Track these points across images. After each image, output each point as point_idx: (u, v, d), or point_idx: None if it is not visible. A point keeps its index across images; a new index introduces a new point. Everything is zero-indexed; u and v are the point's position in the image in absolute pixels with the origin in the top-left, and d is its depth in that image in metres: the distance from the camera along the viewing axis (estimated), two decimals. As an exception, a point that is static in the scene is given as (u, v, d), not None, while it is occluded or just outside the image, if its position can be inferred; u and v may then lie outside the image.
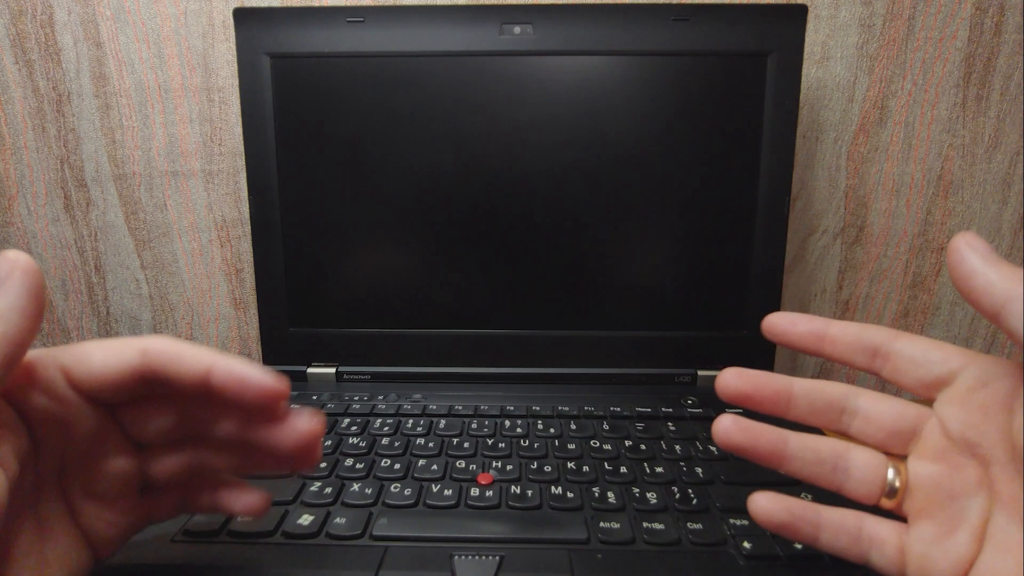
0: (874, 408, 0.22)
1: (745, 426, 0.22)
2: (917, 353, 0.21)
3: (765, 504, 0.22)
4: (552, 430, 0.35)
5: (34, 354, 0.19)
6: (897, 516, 0.21)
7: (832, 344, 0.22)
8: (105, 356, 0.19)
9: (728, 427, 0.22)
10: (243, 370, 0.19)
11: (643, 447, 0.33)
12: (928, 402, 0.21)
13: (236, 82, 0.48)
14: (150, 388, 0.20)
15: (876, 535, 0.21)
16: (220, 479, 0.23)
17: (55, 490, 0.20)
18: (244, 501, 0.23)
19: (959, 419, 0.19)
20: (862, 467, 0.21)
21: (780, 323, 0.23)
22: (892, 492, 0.21)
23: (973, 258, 0.18)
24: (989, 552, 0.18)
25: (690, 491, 0.29)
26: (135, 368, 0.19)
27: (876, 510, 0.22)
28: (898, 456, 0.22)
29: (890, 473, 0.21)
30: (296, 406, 0.22)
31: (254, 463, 0.22)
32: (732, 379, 0.23)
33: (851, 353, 0.22)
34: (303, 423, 0.21)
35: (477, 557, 0.24)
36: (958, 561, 0.19)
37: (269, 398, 0.19)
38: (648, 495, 0.28)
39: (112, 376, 0.19)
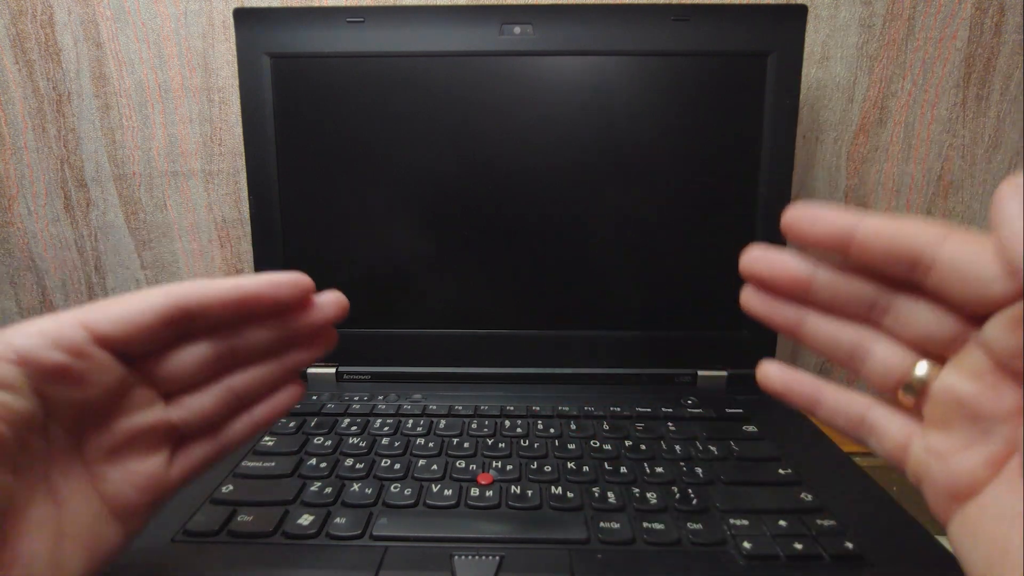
0: (910, 311, 0.19)
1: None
2: (969, 266, 0.17)
3: (768, 372, 0.22)
4: (552, 430, 0.35)
5: (54, 316, 0.19)
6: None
7: (861, 250, 0.18)
8: (129, 302, 0.19)
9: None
10: (269, 277, 0.21)
11: (643, 447, 0.33)
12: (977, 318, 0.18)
13: (236, 82, 0.48)
14: (177, 331, 0.20)
15: (880, 425, 0.20)
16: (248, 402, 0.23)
17: (71, 457, 0.19)
18: (282, 399, 0.23)
19: (1011, 346, 0.16)
20: (885, 353, 0.19)
21: (800, 222, 0.19)
22: (915, 388, 0.19)
23: (1011, 205, 0.15)
24: (1002, 486, 0.17)
25: (690, 491, 0.29)
26: (161, 310, 0.19)
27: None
28: (935, 357, 0.19)
29: (922, 367, 0.19)
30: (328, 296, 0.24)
31: (283, 366, 0.23)
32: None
33: (884, 261, 0.18)
34: (331, 300, 0.23)
35: (477, 557, 0.24)
36: (960, 481, 0.17)
37: (302, 291, 0.22)
38: (648, 495, 0.28)
39: (138, 321, 0.19)
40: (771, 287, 0.21)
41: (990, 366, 0.17)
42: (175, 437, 0.21)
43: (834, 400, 0.21)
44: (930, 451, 0.18)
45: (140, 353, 0.20)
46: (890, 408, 0.20)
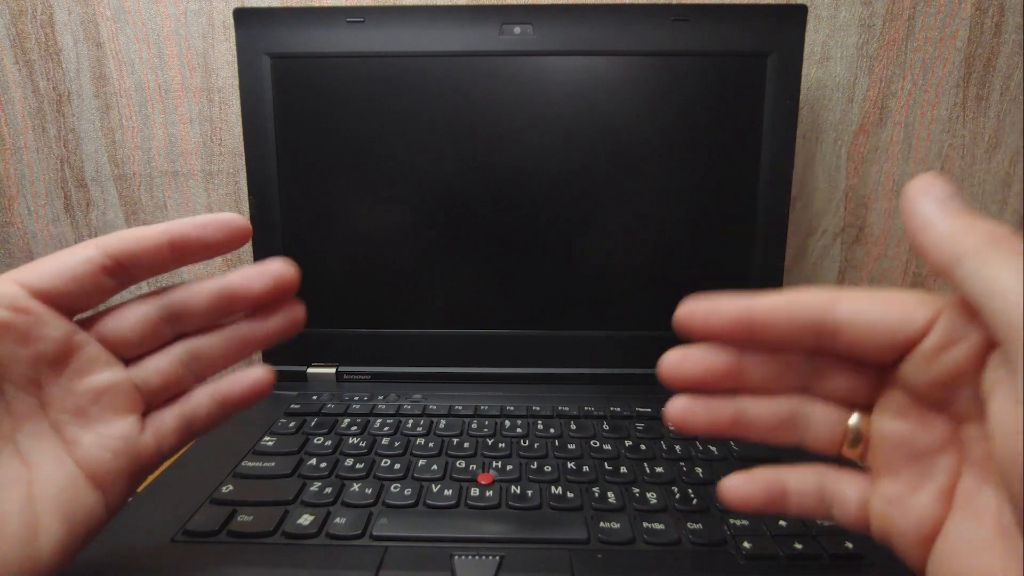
0: (834, 370, 0.19)
1: (702, 407, 0.20)
2: (873, 317, 0.17)
3: (730, 487, 0.20)
4: (552, 430, 0.35)
5: None
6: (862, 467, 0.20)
7: (764, 333, 0.19)
8: (61, 256, 0.20)
9: (683, 413, 0.20)
10: (196, 218, 0.21)
11: (643, 447, 0.33)
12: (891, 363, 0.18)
13: (236, 82, 0.48)
14: (116, 280, 0.21)
15: (837, 491, 0.20)
16: (214, 382, 0.23)
17: (37, 419, 0.20)
18: (249, 377, 0.23)
19: (927, 378, 0.17)
20: (821, 416, 0.20)
21: (695, 318, 0.19)
22: (856, 439, 0.19)
23: (928, 207, 0.16)
24: (958, 516, 0.17)
25: (690, 491, 0.29)
26: (93, 261, 0.20)
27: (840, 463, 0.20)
28: (864, 407, 0.20)
29: (853, 418, 0.19)
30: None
31: (243, 339, 0.23)
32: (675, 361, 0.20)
33: (790, 337, 0.18)
34: (272, 265, 0.22)
35: (477, 557, 0.24)
36: (921, 522, 0.17)
37: (231, 230, 0.21)
38: (648, 495, 0.28)
39: (72, 272, 0.20)
40: (703, 382, 0.20)
41: (912, 403, 0.18)
42: (142, 402, 0.22)
43: (796, 481, 0.20)
44: (887, 500, 0.18)
45: (81, 306, 0.20)
46: (841, 472, 0.20)
